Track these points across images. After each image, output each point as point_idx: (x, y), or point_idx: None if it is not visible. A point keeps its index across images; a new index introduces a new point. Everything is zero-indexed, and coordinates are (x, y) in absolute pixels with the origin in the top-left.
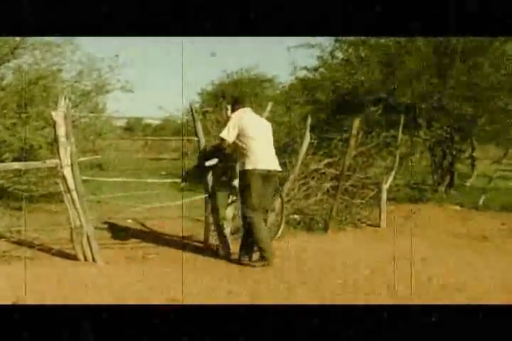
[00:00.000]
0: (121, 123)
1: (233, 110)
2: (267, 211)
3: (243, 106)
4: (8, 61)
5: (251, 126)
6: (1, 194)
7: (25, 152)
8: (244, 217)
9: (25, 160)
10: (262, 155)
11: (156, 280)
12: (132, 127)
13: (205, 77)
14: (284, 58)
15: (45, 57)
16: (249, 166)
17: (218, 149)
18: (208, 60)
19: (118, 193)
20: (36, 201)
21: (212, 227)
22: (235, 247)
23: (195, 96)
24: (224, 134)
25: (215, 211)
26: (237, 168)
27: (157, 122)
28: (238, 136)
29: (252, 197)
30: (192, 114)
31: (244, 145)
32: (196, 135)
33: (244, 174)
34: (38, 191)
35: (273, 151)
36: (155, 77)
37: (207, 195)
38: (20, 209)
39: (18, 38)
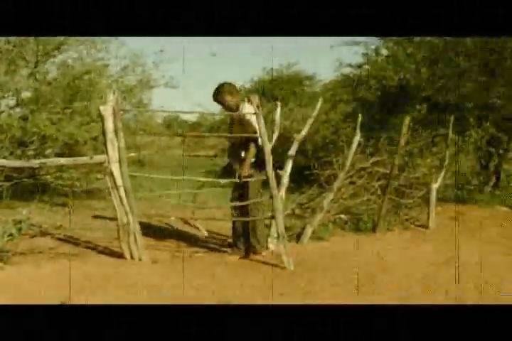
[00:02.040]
0: (160, 120)
1: (230, 98)
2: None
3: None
4: (54, 56)
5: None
6: (44, 189)
7: (68, 147)
8: (251, 210)
9: (68, 156)
10: None
11: (205, 280)
12: (170, 124)
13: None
14: (324, 55)
15: (90, 53)
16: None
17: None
18: (250, 57)
19: (164, 191)
20: (78, 197)
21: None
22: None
23: None
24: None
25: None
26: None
27: (194, 119)
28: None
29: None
30: (255, 109)
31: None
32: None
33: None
34: (81, 187)
35: None
36: (197, 73)
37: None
38: (62, 205)
39: None
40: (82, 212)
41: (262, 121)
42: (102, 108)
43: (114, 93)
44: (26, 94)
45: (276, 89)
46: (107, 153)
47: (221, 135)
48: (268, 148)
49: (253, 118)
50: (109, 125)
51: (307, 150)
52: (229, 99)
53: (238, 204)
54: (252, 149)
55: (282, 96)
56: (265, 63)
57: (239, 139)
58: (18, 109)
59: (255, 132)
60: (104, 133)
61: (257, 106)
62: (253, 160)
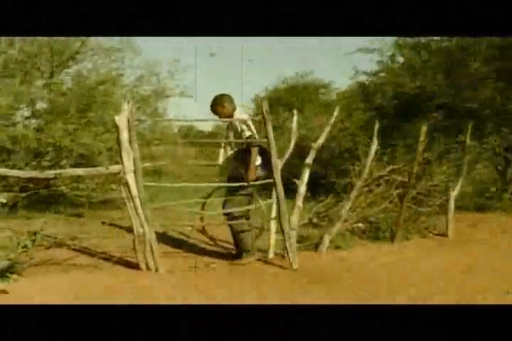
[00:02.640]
0: (176, 129)
1: (227, 108)
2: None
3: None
4: (69, 67)
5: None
6: (59, 200)
7: (83, 158)
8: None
9: (84, 166)
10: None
11: (220, 291)
12: (186, 134)
13: (262, 82)
14: (339, 63)
15: (104, 63)
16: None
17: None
18: (264, 66)
19: (180, 200)
20: (94, 207)
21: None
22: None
23: (250, 103)
24: (254, 133)
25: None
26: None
27: (210, 128)
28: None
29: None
30: (263, 114)
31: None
32: (266, 137)
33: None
34: (97, 197)
35: None
36: (212, 82)
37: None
38: (78, 215)
39: (78, 43)
40: (98, 223)
41: (270, 127)
42: (116, 118)
43: (128, 103)
44: (41, 105)
45: (292, 98)
46: (122, 164)
47: (219, 141)
48: (275, 153)
49: (244, 126)
50: (124, 135)
51: (324, 159)
52: (223, 109)
53: (224, 211)
54: (254, 153)
55: (298, 104)
56: (281, 72)
57: (240, 145)
58: (33, 120)
59: (251, 137)
60: (119, 143)
61: (266, 112)
62: (258, 163)
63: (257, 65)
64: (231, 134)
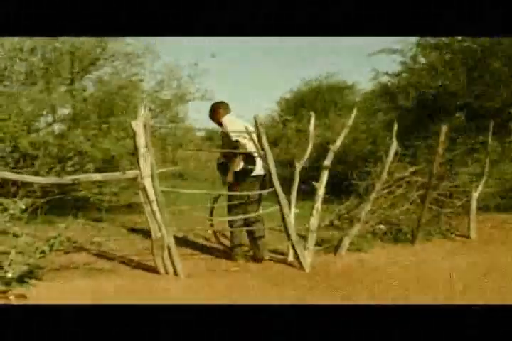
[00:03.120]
0: (201, 132)
1: (221, 114)
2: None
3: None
4: (90, 72)
5: (245, 144)
6: (83, 205)
7: (107, 163)
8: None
9: (107, 171)
10: (258, 163)
11: (239, 294)
12: (212, 136)
13: (286, 84)
14: (362, 64)
15: (125, 68)
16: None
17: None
18: (284, 69)
19: (198, 204)
20: (118, 212)
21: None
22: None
23: (274, 105)
24: (239, 139)
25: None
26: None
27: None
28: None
29: (247, 200)
30: (256, 127)
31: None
32: (262, 148)
33: (248, 176)
34: (118, 202)
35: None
36: (236, 85)
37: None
38: (101, 220)
39: (98, 49)
40: (120, 227)
41: (265, 139)
42: (133, 123)
43: (144, 108)
44: (63, 111)
45: (316, 100)
46: (139, 168)
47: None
48: (272, 163)
49: (232, 133)
50: (141, 140)
51: (347, 161)
52: (218, 115)
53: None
54: (238, 158)
55: (322, 106)
56: (303, 73)
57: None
58: (55, 126)
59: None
60: (135, 148)
61: (260, 125)
62: (238, 168)
63: (281, 67)
64: (224, 139)
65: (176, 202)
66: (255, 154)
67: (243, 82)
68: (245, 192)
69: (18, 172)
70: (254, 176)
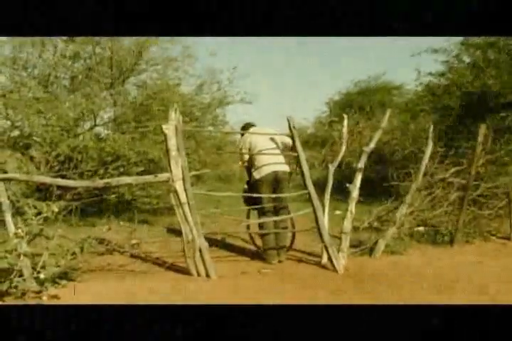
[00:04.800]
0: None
1: (242, 134)
2: (276, 213)
3: (248, 129)
4: (130, 77)
5: (255, 143)
6: (125, 207)
7: (153, 165)
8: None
9: (150, 174)
10: (265, 163)
11: (272, 296)
12: None
13: (332, 85)
14: (407, 64)
15: (166, 72)
16: (257, 175)
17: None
18: (332, 68)
19: (237, 207)
20: (160, 214)
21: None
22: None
23: (323, 106)
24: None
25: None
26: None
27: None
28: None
29: (263, 202)
30: (290, 130)
31: (253, 160)
32: (296, 150)
33: (255, 182)
34: (158, 204)
35: (278, 158)
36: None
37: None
38: (145, 222)
39: (137, 52)
40: (160, 229)
41: (298, 141)
42: (164, 127)
43: (175, 112)
44: (103, 116)
45: (364, 101)
46: (170, 171)
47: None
48: (305, 165)
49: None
50: (172, 143)
51: (388, 162)
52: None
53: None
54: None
55: (370, 107)
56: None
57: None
58: (95, 131)
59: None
60: (167, 151)
61: (293, 127)
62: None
63: (328, 68)
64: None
65: (216, 204)
66: (257, 157)
67: (290, 82)
68: (280, 195)
69: (63, 176)
70: (258, 179)
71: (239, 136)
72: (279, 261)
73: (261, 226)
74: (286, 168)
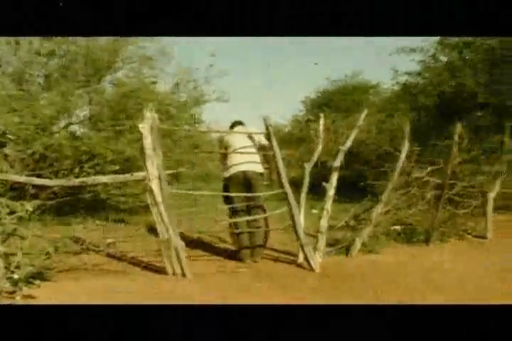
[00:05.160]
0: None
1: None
2: (249, 212)
3: (235, 127)
4: (106, 75)
5: (231, 142)
6: (101, 206)
7: (128, 164)
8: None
9: (126, 173)
10: (235, 162)
11: (246, 295)
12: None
13: (309, 84)
14: (383, 64)
15: (141, 71)
16: (226, 174)
17: None
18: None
19: (213, 205)
20: (136, 213)
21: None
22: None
23: (299, 105)
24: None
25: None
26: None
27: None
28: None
29: (233, 202)
30: (267, 128)
31: (226, 159)
32: (272, 149)
33: (224, 181)
34: (134, 203)
35: (252, 157)
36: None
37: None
38: (121, 221)
39: (113, 50)
40: (136, 228)
41: (275, 140)
42: (140, 126)
43: (151, 111)
44: (79, 114)
45: (341, 100)
46: (146, 170)
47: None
48: (281, 164)
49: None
50: (148, 142)
51: (364, 161)
52: None
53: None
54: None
55: (347, 106)
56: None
57: None
58: (72, 128)
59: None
60: (143, 150)
61: (270, 126)
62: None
63: (307, 67)
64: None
65: (194, 203)
66: (230, 156)
67: (267, 81)
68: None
69: (38, 175)
70: (226, 178)
71: (216, 135)
72: (255, 262)
73: (235, 225)
74: (257, 168)
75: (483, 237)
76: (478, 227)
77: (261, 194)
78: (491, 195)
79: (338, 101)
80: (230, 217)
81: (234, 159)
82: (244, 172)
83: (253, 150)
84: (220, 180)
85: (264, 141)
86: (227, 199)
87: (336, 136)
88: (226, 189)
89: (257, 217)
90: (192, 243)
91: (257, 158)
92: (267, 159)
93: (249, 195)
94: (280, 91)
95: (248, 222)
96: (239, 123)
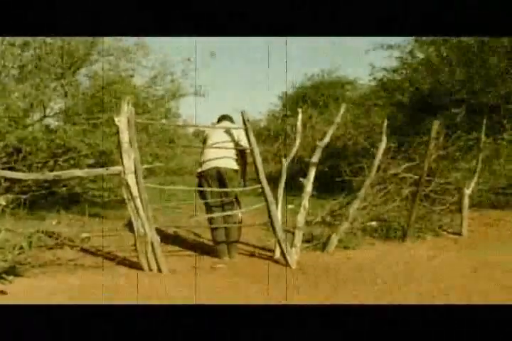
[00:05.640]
0: (192, 129)
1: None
2: (223, 208)
3: (222, 121)
4: (81, 68)
5: (209, 136)
6: (77, 200)
7: (105, 158)
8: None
9: (103, 166)
10: (208, 158)
11: (222, 291)
12: (199, 134)
13: (284, 79)
14: (360, 60)
15: (119, 64)
16: (198, 169)
17: None
18: (290, 63)
19: (188, 200)
20: (111, 207)
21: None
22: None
23: (276, 100)
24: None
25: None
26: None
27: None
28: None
29: (206, 197)
30: (244, 123)
31: (201, 154)
32: (249, 144)
33: (197, 176)
34: (109, 197)
35: (227, 153)
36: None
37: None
38: (96, 215)
39: (88, 44)
40: (112, 223)
41: (252, 135)
42: (116, 119)
43: (128, 104)
44: (54, 106)
45: (317, 95)
46: (122, 164)
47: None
48: (259, 158)
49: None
50: (124, 136)
51: (340, 157)
52: None
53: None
54: None
55: (324, 101)
56: (302, 68)
57: None
58: (47, 121)
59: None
60: (119, 144)
61: (247, 121)
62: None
63: (284, 62)
64: None
65: (170, 198)
66: (204, 151)
67: (245, 77)
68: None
69: (11, 168)
70: (199, 173)
71: (192, 129)
72: (231, 258)
73: (209, 220)
74: (231, 164)
75: (459, 234)
76: (453, 224)
77: (240, 189)
78: (467, 192)
79: (314, 97)
80: (206, 213)
81: (208, 155)
82: (217, 168)
83: (230, 145)
84: (193, 175)
85: (242, 139)
86: (201, 195)
87: (312, 132)
88: (200, 184)
89: (228, 213)
90: (168, 238)
91: (233, 154)
92: (243, 158)
93: (223, 190)
94: (256, 86)
95: (224, 217)
96: (226, 117)
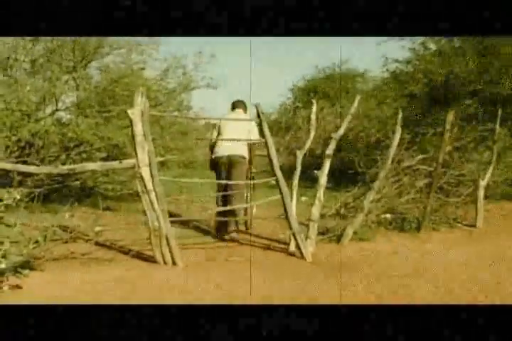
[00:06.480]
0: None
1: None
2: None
3: (236, 107)
4: (93, 61)
5: (222, 126)
6: (90, 193)
7: (118, 151)
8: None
9: (114, 159)
10: (223, 146)
11: (238, 284)
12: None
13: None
14: (373, 51)
15: (129, 56)
16: (212, 155)
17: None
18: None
19: (207, 193)
20: (124, 200)
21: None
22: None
23: (287, 92)
24: (209, 135)
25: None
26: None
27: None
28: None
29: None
30: (258, 115)
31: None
32: (263, 136)
33: (212, 162)
34: (122, 190)
35: (238, 144)
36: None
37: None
38: (108, 208)
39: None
40: (127, 215)
41: (266, 127)
42: (129, 111)
43: (141, 96)
44: (65, 100)
45: (328, 87)
46: (136, 157)
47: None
48: (273, 150)
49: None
50: (138, 128)
51: (355, 149)
52: None
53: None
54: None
55: (335, 94)
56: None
57: None
58: (57, 115)
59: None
60: (133, 136)
61: (261, 113)
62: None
63: (294, 55)
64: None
65: (184, 190)
66: (218, 142)
67: (257, 70)
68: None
69: (24, 161)
70: (213, 160)
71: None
72: (231, 237)
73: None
74: (242, 151)
75: (474, 226)
76: (468, 216)
77: (257, 181)
78: (482, 184)
79: (325, 89)
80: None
81: (221, 144)
82: (228, 156)
83: (242, 137)
84: (205, 167)
85: (253, 131)
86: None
87: (324, 124)
88: (215, 169)
89: (236, 206)
90: (182, 231)
91: (245, 144)
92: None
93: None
94: (268, 78)
95: (224, 198)
96: (240, 103)
